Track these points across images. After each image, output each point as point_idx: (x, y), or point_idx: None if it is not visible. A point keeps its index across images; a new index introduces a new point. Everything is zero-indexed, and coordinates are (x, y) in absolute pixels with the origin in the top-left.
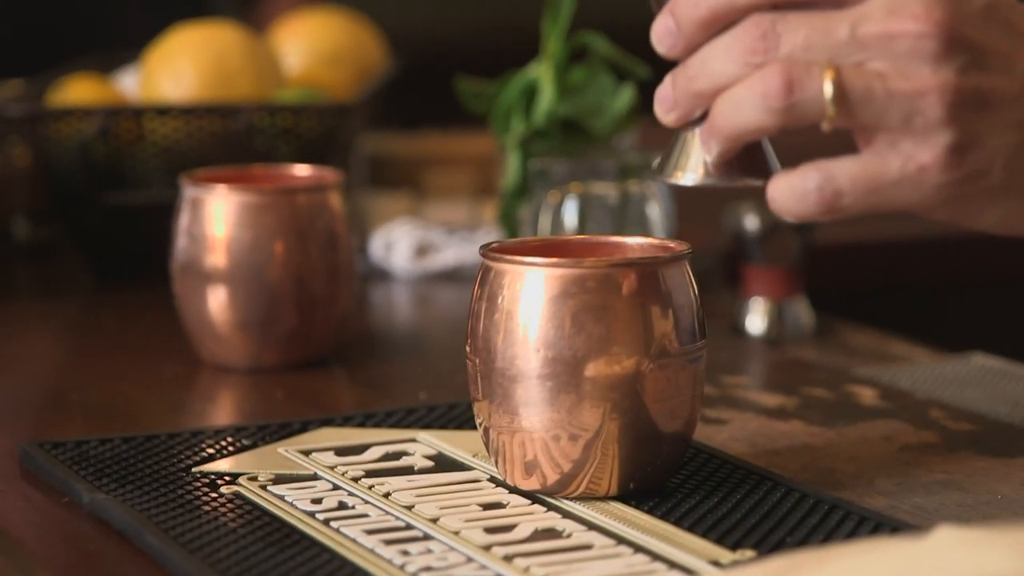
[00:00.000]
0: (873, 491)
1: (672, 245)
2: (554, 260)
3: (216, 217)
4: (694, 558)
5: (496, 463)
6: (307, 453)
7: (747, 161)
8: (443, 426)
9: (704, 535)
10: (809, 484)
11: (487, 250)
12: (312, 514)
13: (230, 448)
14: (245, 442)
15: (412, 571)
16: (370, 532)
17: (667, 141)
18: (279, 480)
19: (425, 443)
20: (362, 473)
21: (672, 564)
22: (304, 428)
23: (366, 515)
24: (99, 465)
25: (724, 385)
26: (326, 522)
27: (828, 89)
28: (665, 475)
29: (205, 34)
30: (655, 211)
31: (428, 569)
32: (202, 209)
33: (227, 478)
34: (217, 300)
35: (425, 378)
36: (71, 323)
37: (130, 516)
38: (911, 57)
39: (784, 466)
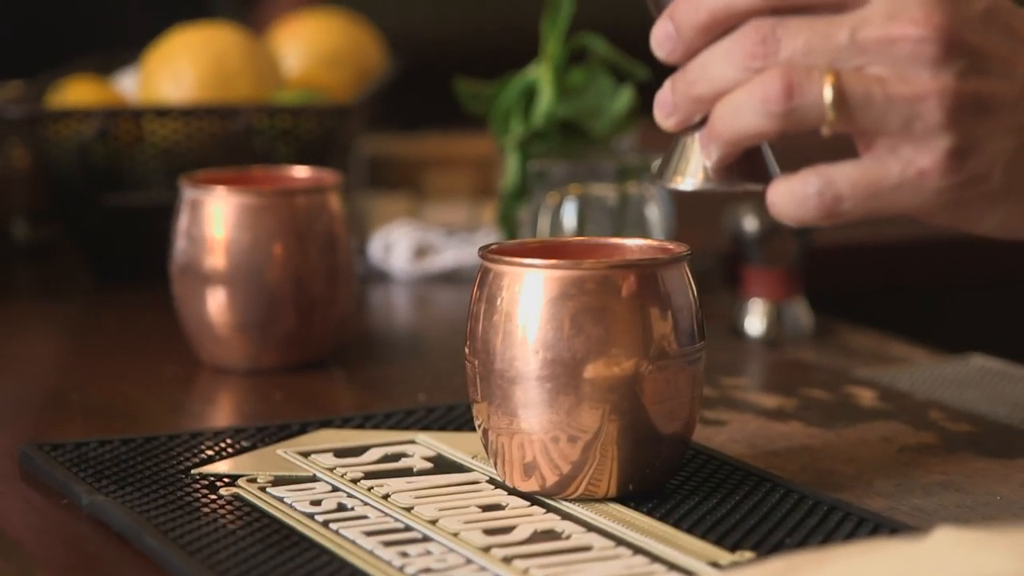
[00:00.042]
0: (872, 492)
1: (671, 247)
2: (553, 262)
3: (215, 219)
4: (693, 559)
5: (495, 465)
6: (306, 455)
7: (747, 166)
8: (442, 428)
9: (703, 536)
10: (808, 485)
11: (486, 252)
12: (311, 516)
13: (229, 450)
14: (244, 444)
15: (411, 573)
16: (369, 534)
17: (666, 143)
18: (278, 482)
19: (424, 445)
20: (361, 475)
21: (671, 565)
22: (303, 430)
23: (365, 517)
24: (98, 467)
25: (723, 386)
26: (325, 524)
27: (828, 94)
28: (664, 476)
29: (204, 35)
30: (654, 213)
31: (427, 571)
32: (201, 211)
33: (226, 480)
34: (216, 301)
35: (424, 380)
36: (70, 324)
37: (129, 518)
38: (911, 62)
39: (783, 467)
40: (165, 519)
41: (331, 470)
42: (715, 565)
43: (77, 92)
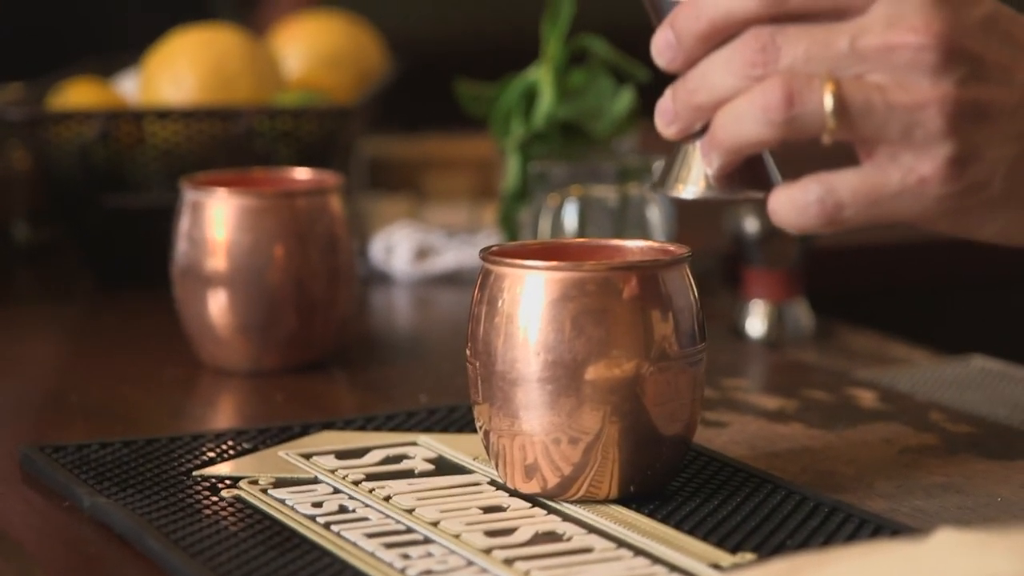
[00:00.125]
0: (873, 494)
1: (672, 248)
2: (554, 263)
3: (216, 221)
4: (694, 561)
5: (496, 466)
6: (308, 456)
7: (748, 174)
8: (443, 429)
9: (704, 538)
10: (809, 487)
11: (487, 253)
12: (313, 518)
13: (231, 452)
14: (246, 446)
15: (413, 575)
16: (371, 536)
17: (667, 146)
18: (280, 484)
19: (426, 446)
20: (363, 476)
21: (672, 567)
22: (304, 431)
23: (367, 519)
24: (100, 469)
25: (724, 388)
26: (327, 526)
27: (828, 102)
28: (665, 478)
29: (205, 37)
30: (655, 214)
31: (429, 572)
32: (202, 213)
33: (228, 482)
34: (217, 303)
35: (425, 381)
36: (71, 325)
37: (131, 520)
38: (911, 69)
39: (784, 469)
40: (167, 521)
41: (332, 472)
42: (716, 567)
43: (78, 94)
